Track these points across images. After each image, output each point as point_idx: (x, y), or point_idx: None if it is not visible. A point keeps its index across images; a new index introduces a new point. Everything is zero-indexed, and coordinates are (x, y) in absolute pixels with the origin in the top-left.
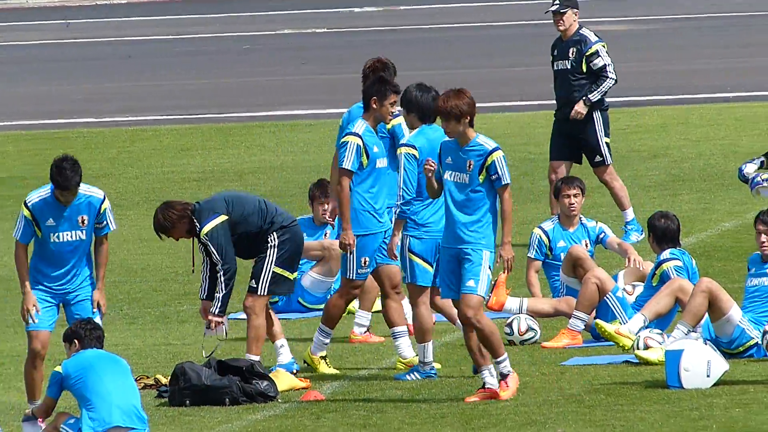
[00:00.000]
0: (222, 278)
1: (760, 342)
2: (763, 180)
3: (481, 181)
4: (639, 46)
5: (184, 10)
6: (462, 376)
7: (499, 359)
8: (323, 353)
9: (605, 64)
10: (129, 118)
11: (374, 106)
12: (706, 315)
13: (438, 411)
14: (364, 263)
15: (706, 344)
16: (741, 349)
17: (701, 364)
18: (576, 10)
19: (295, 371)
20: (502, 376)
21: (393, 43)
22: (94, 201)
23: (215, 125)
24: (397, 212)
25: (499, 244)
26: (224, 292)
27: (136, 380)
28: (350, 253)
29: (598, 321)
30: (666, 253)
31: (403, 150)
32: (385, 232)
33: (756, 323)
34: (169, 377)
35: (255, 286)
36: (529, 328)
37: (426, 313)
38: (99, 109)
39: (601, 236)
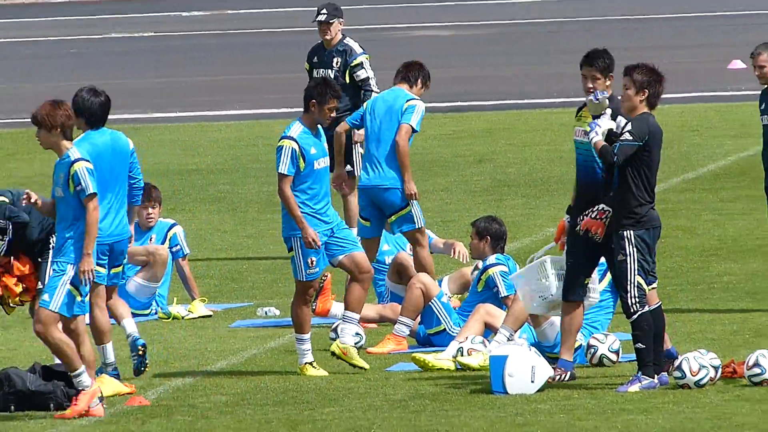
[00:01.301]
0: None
1: (584, 350)
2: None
3: (71, 193)
4: (464, 52)
5: (24, 12)
6: (288, 381)
7: (74, 373)
8: (309, 359)
9: (368, 77)
10: None
11: (313, 108)
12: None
13: (263, 416)
14: (311, 263)
15: (530, 350)
16: None
17: (526, 370)
18: (342, 20)
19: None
20: (77, 392)
21: (219, 48)
22: None
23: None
24: None
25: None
26: None
27: None
28: (297, 256)
29: (414, 354)
30: (492, 259)
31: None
32: (332, 229)
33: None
34: None
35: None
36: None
37: (100, 315)
38: None
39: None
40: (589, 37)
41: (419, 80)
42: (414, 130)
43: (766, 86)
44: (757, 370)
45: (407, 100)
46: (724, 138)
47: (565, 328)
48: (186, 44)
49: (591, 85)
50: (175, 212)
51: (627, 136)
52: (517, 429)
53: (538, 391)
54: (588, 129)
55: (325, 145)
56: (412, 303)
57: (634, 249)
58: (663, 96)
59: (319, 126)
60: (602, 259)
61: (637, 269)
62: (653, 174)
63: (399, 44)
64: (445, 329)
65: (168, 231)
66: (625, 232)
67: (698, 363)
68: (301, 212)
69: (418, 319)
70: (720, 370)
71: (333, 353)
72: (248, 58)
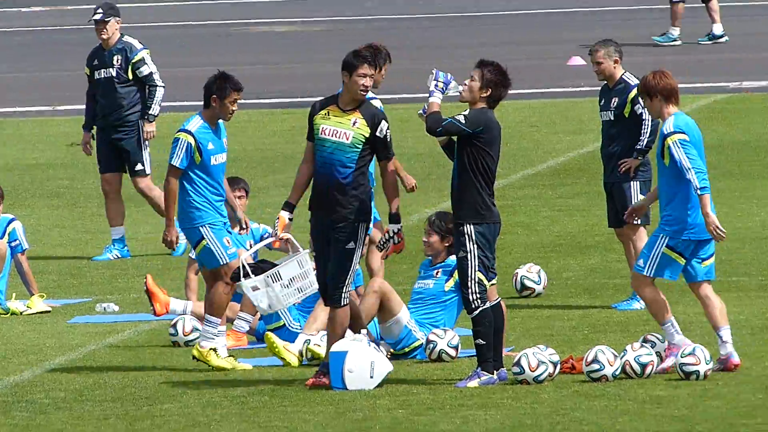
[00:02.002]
0: None
1: (423, 345)
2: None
3: None
4: (304, 48)
5: None
6: (126, 377)
7: None
8: (214, 345)
9: (151, 72)
10: None
11: (214, 104)
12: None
13: (102, 413)
14: (228, 242)
15: (370, 345)
16: (406, 350)
17: (365, 365)
18: (119, 18)
19: None
20: None
21: (57, 43)
22: None
23: None
24: None
25: None
26: None
27: None
28: (212, 243)
29: (268, 333)
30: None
31: None
32: (225, 224)
33: (421, 325)
34: None
35: None
36: (194, 329)
37: None
38: None
39: (266, 237)
40: (426, 34)
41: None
42: None
43: (605, 83)
44: (595, 366)
45: None
46: (563, 134)
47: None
48: (25, 40)
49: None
50: (14, 207)
51: (461, 118)
52: (357, 424)
53: (377, 386)
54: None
55: (225, 140)
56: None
57: (475, 245)
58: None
59: (219, 121)
60: (452, 257)
61: (478, 265)
62: (493, 169)
63: (237, 40)
64: (284, 325)
65: (7, 226)
66: (465, 227)
67: (537, 359)
68: (202, 200)
69: (258, 315)
70: (559, 366)
71: (194, 357)
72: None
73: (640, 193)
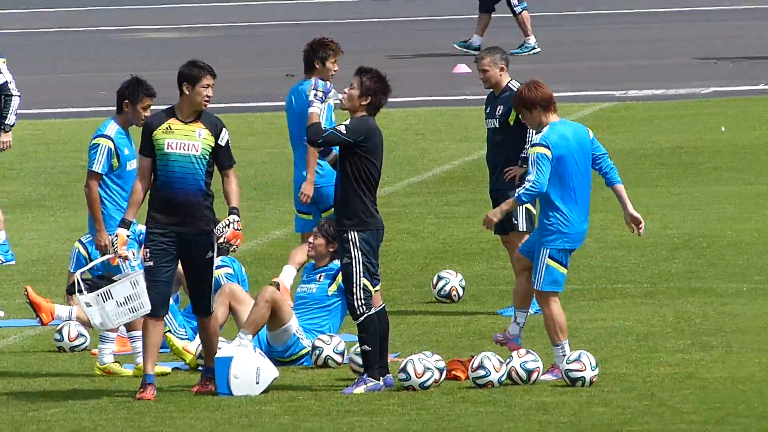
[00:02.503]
0: None
1: (310, 353)
2: None
3: None
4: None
5: None
6: (12, 383)
7: None
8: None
9: (6, 81)
10: None
11: (126, 109)
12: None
13: None
14: (133, 253)
15: (255, 351)
16: (294, 357)
17: (250, 371)
18: None
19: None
20: None
21: None
22: None
23: None
24: None
25: None
26: None
27: None
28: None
29: (167, 334)
30: (217, 261)
31: None
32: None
33: (306, 331)
34: None
35: None
36: (79, 335)
37: None
38: None
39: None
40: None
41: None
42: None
43: (491, 90)
44: (481, 372)
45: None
46: (449, 142)
47: (154, 342)
48: None
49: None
50: None
51: (342, 128)
52: (242, 430)
53: (263, 392)
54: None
55: (135, 146)
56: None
57: (359, 251)
58: (389, 100)
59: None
60: (335, 262)
61: (363, 271)
62: (376, 177)
63: (132, 46)
64: (169, 330)
65: None
66: (349, 234)
67: (423, 365)
68: (115, 209)
69: None
70: (445, 372)
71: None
72: None
73: None
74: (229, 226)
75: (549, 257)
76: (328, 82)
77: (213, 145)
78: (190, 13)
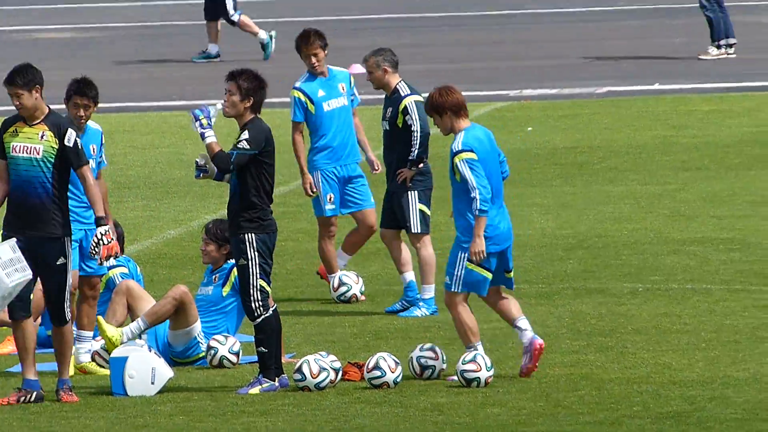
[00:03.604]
0: None
1: (205, 356)
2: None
3: None
4: (85, 54)
5: None
6: None
7: None
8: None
9: None
10: None
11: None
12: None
13: None
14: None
15: (151, 351)
16: (191, 359)
17: (146, 371)
18: None
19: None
20: None
21: None
22: None
23: None
24: None
25: None
26: None
27: None
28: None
29: (99, 317)
30: (112, 260)
31: None
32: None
33: (206, 335)
34: None
35: None
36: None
37: None
38: None
39: None
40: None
41: None
42: (294, 122)
43: (386, 93)
44: (377, 373)
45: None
46: None
47: (22, 346)
48: None
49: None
50: None
51: (244, 144)
52: (137, 430)
53: (158, 392)
54: (198, 127)
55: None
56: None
57: (256, 252)
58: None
59: (91, 125)
60: (230, 261)
61: (260, 273)
62: (271, 178)
63: (20, 46)
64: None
65: None
66: (246, 236)
67: (318, 365)
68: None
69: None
70: (340, 373)
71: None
72: None
73: (419, 202)
74: (99, 244)
75: (468, 260)
76: (203, 105)
77: (57, 146)
78: (83, 13)
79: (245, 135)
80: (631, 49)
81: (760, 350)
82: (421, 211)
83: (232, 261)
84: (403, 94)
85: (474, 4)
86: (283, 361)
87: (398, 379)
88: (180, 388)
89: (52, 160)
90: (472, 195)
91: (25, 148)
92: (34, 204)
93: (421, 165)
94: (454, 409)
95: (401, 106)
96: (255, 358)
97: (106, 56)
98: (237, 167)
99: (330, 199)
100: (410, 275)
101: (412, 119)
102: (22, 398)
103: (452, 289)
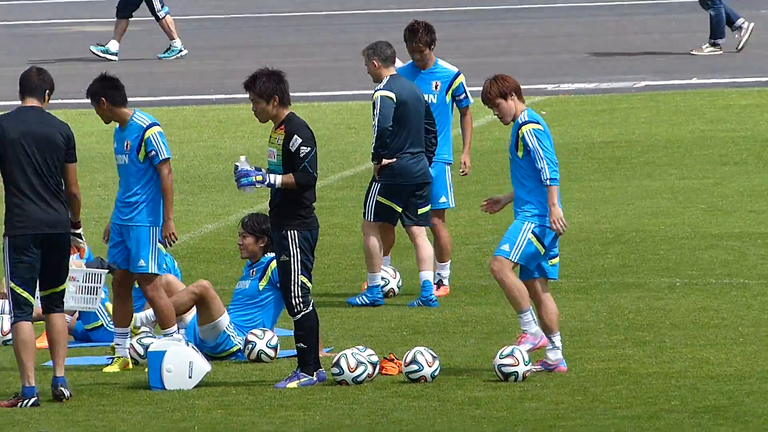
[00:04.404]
0: None
1: (241, 349)
2: (249, 183)
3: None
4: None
5: None
6: None
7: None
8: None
9: None
10: None
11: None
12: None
13: None
14: None
15: (188, 345)
16: (225, 354)
17: (183, 365)
18: None
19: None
20: None
21: None
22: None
23: None
24: None
25: None
26: None
27: None
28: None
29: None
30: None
31: None
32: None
33: (240, 327)
34: None
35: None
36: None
37: None
38: None
39: None
40: (234, 34)
41: None
42: None
43: None
44: (414, 367)
45: None
46: None
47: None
48: None
49: None
50: None
51: (304, 149)
52: (174, 425)
53: (195, 386)
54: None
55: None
56: None
57: (298, 249)
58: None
59: None
60: (267, 255)
61: (301, 269)
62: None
63: (56, 39)
64: (102, 325)
65: None
66: (288, 232)
67: (356, 359)
68: None
69: (76, 314)
70: (378, 367)
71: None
72: None
73: (378, 194)
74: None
75: (532, 233)
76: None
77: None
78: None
79: (298, 140)
80: (668, 43)
81: None
82: (378, 202)
83: (270, 255)
84: (375, 88)
85: None
86: (320, 355)
87: (436, 373)
88: (218, 383)
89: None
90: (540, 166)
91: None
92: None
93: (385, 162)
94: (491, 403)
95: (372, 100)
96: (292, 352)
97: (145, 49)
98: (316, 175)
99: None
100: (425, 274)
101: (374, 113)
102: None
103: (509, 257)
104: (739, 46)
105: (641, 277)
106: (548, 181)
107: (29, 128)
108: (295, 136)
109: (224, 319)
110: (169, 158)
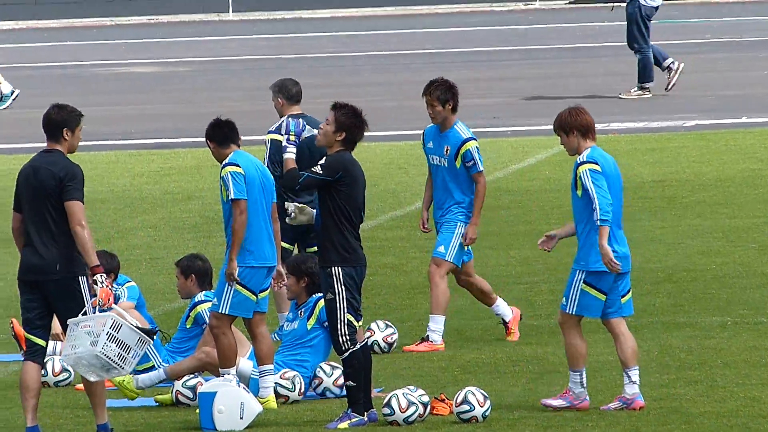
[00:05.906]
0: None
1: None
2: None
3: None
4: (168, 88)
5: None
6: None
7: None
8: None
9: None
10: None
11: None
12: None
13: None
14: None
15: (239, 386)
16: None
17: (235, 406)
18: None
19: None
20: None
21: None
22: None
23: None
24: None
25: None
26: None
27: None
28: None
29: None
30: (201, 296)
31: None
32: None
33: (290, 367)
34: None
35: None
36: (63, 369)
37: None
38: None
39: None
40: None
41: None
42: None
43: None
44: (465, 407)
45: None
46: None
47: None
48: None
49: None
50: None
51: (317, 168)
52: None
53: (246, 427)
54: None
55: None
56: None
57: (343, 287)
58: (370, 134)
59: None
60: (314, 295)
61: (347, 307)
62: (356, 211)
63: (106, 80)
64: (154, 366)
65: None
66: (333, 269)
67: (407, 399)
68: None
69: None
70: (429, 407)
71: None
72: None
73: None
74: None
75: (584, 282)
76: (300, 120)
77: None
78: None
79: (322, 161)
80: (718, 82)
81: None
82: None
83: (317, 295)
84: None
85: (555, 38)
86: (372, 395)
87: (487, 413)
88: (269, 423)
89: None
90: (593, 206)
91: None
92: None
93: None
94: None
95: None
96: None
97: (188, 90)
98: (303, 189)
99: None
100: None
101: (264, 161)
102: None
103: (567, 311)
104: (668, 87)
105: (692, 316)
106: (599, 222)
107: (27, 175)
108: (325, 158)
109: (246, 366)
110: (239, 199)
